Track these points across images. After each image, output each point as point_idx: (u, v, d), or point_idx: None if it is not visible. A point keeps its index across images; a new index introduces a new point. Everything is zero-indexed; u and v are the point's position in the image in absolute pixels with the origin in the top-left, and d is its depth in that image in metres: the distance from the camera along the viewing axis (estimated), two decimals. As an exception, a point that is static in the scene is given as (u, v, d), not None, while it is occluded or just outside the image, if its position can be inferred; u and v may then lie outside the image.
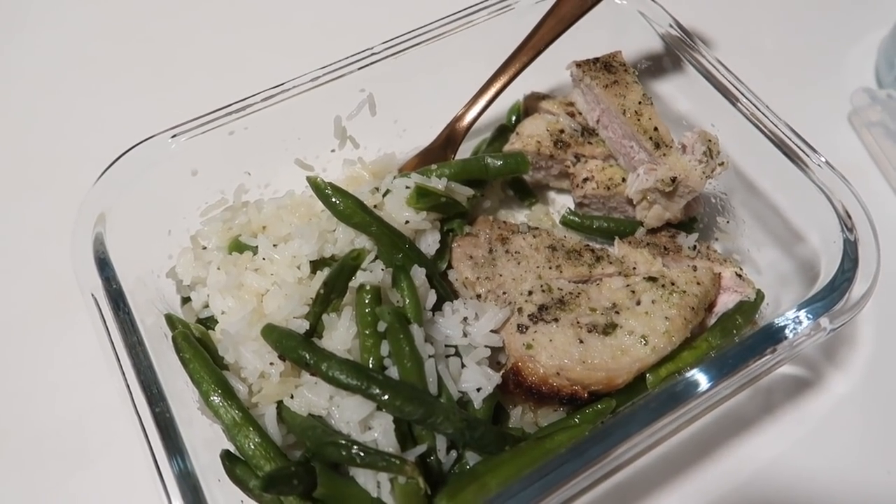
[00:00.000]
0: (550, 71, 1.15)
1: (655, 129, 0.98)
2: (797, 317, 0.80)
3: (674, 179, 0.95)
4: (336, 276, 0.84)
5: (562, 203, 1.16)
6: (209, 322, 0.93)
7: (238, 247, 0.98)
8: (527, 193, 1.15)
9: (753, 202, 1.03)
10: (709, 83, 0.99)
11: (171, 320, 0.88)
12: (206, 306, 0.94)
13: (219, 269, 0.94)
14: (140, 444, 0.73)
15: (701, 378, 0.77)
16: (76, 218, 0.86)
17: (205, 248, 0.98)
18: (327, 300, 0.86)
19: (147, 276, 0.92)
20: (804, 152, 0.92)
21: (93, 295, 0.80)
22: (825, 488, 0.91)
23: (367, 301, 0.85)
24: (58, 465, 0.93)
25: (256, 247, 0.96)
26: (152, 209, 0.93)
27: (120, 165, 0.90)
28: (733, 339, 0.93)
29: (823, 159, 0.91)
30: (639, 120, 0.99)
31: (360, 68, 1.00)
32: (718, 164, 0.96)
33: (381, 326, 0.84)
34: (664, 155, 0.96)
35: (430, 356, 0.84)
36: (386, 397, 0.78)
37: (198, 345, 0.85)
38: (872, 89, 1.28)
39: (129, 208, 0.90)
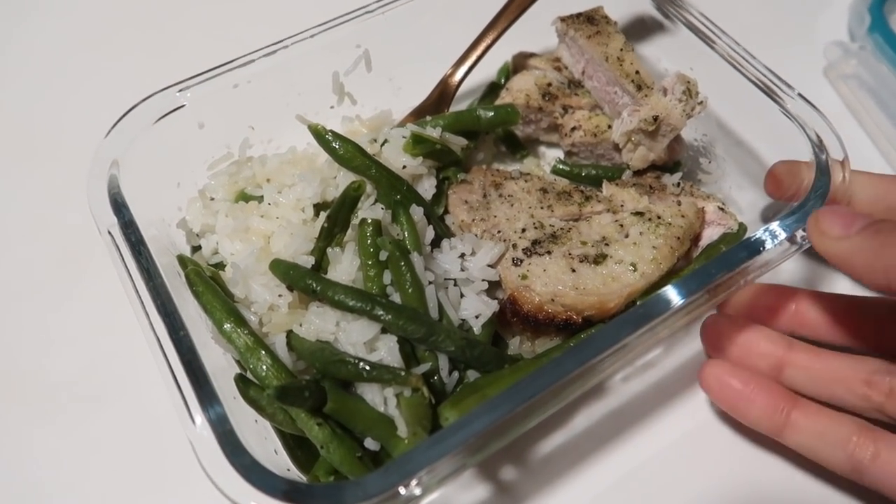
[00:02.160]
0: (537, 33, 1.21)
1: (637, 72, 1.03)
2: (773, 231, 0.84)
3: (656, 118, 1.00)
4: (338, 209, 0.89)
5: (552, 156, 1.21)
6: (219, 267, 0.98)
7: (244, 198, 1.03)
8: (518, 147, 1.20)
9: (733, 144, 1.08)
10: (685, 28, 1.05)
11: (182, 260, 0.92)
12: (216, 253, 0.99)
13: (226, 216, 0.98)
14: (160, 379, 0.76)
15: (683, 287, 0.80)
16: (90, 167, 0.90)
17: (212, 199, 1.03)
18: (331, 234, 0.91)
19: (159, 224, 0.96)
20: (779, 87, 0.98)
21: (109, 232, 0.84)
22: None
23: (368, 233, 0.89)
24: (80, 407, 0.97)
25: (261, 196, 1.01)
26: (162, 161, 0.98)
27: (131, 118, 0.94)
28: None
29: (797, 92, 0.96)
30: (621, 65, 1.04)
31: (355, 24, 1.05)
32: (698, 104, 1.01)
33: (383, 256, 0.88)
34: (646, 96, 1.02)
35: (430, 283, 0.89)
36: (390, 317, 0.83)
37: (209, 279, 0.89)
38: (845, 42, 1.33)
39: (139, 160, 0.94)
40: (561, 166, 1.14)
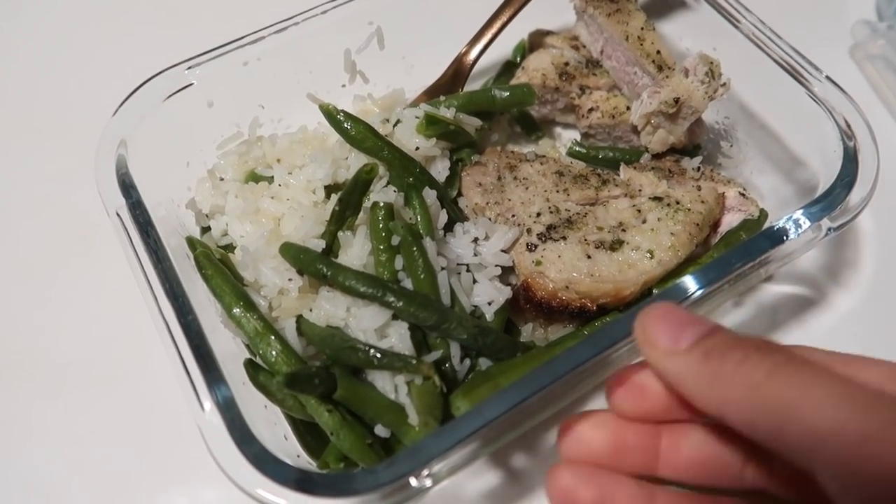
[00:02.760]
0: (553, 10, 1.17)
1: (658, 52, 1.00)
2: (798, 219, 0.82)
3: (677, 100, 0.97)
4: (350, 192, 0.87)
5: (567, 137, 1.19)
6: (228, 249, 0.97)
7: (254, 178, 1.02)
8: (533, 128, 1.17)
9: (756, 127, 1.05)
10: (710, 7, 1.01)
11: (192, 242, 0.91)
12: (225, 234, 0.97)
13: (236, 196, 0.97)
14: (168, 362, 0.75)
15: (702, 277, 0.79)
16: (97, 145, 0.89)
17: (222, 179, 1.01)
18: (342, 218, 0.89)
19: (168, 205, 0.95)
20: (806, 70, 0.94)
21: (118, 213, 0.83)
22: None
23: (380, 217, 0.87)
24: (87, 388, 0.97)
25: (272, 177, 0.99)
26: (170, 141, 0.96)
27: (138, 97, 0.93)
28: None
29: (825, 75, 0.93)
30: (641, 45, 1.01)
31: (367, 0, 1.02)
32: (721, 86, 0.98)
33: (395, 241, 0.86)
34: (667, 77, 0.98)
35: (442, 268, 0.87)
36: (401, 304, 0.81)
37: (219, 262, 0.88)
38: (873, 22, 1.29)
39: (148, 139, 0.93)
40: (577, 148, 1.12)
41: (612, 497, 0.63)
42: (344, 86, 1.07)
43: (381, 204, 0.88)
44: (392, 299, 0.82)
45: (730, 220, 1.00)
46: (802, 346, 0.60)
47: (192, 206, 0.99)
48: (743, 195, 1.00)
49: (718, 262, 0.80)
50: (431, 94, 1.12)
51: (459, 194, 1.03)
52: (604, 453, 0.65)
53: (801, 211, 0.82)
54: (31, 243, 1.11)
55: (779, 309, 1.02)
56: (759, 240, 0.81)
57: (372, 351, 0.79)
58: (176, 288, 0.77)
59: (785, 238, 0.80)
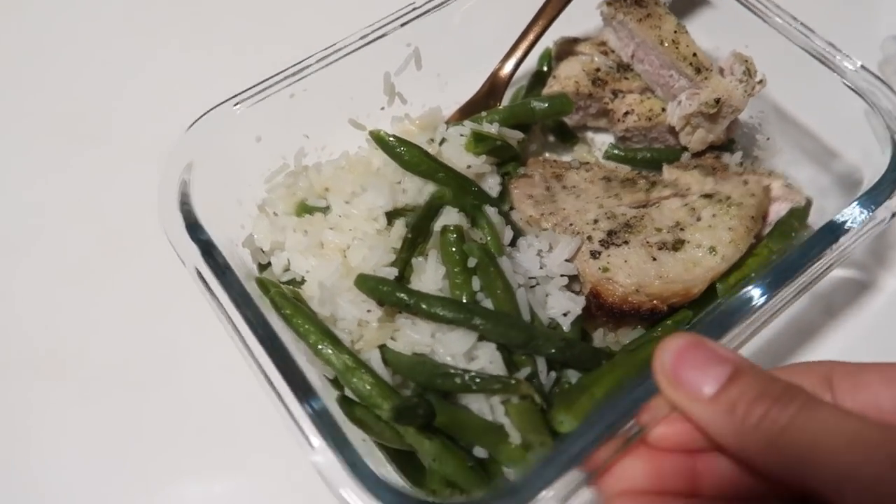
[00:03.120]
0: (575, 17, 1.18)
1: (694, 54, 1.02)
2: (855, 210, 0.84)
3: (718, 101, 0.99)
4: (423, 218, 0.87)
5: (600, 141, 1.20)
6: (293, 284, 0.95)
7: (305, 209, 1.00)
8: (568, 135, 1.18)
9: (788, 120, 1.08)
10: (739, 3, 1.03)
11: (262, 283, 0.90)
12: (287, 270, 0.96)
13: (295, 231, 0.96)
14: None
15: (772, 279, 0.80)
16: (158, 198, 0.87)
17: (275, 214, 1.00)
18: (414, 244, 0.89)
19: (227, 244, 0.93)
20: (839, 59, 0.97)
21: (197, 269, 0.81)
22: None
23: (452, 240, 0.88)
24: (124, 392, 1.01)
25: (326, 207, 0.99)
26: (223, 180, 0.94)
27: (190, 137, 0.91)
28: (792, 241, 0.98)
29: (859, 63, 0.96)
30: (677, 48, 1.03)
31: (403, 24, 1.02)
32: (757, 83, 1.00)
33: (471, 263, 0.87)
34: (706, 79, 1.01)
35: (519, 286, 0.88)
36: (489, 325, 0.82)
37: (295, 301, 0.87)
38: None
39: (201, 182, 0.91)
40: (615, 151, 1.14)
41: None
42: (383, 108, 1.07)
43: (452, 227, 0.88)
44: (480, 322, 0.82)
45: (777, 210, 1.03)
46: (827, 361, 0.65)
47: (248, 243, 0.97)
48: (787, 185, 1.03)
49: (784, 263, 0.82)
50: (467, 110, 1.12)
51: (511, 208, 1.04)
52: (645, 483, 0.67)
53: (864, 196, 0.85)
54: (74, 248, 1.13)
55: (831, 295, 1.05)
56: (822, 233, 0.84)
57: (468, 376, 0.79)
58: (274, 341, 0.76)
59: (853, 225, 0.83)
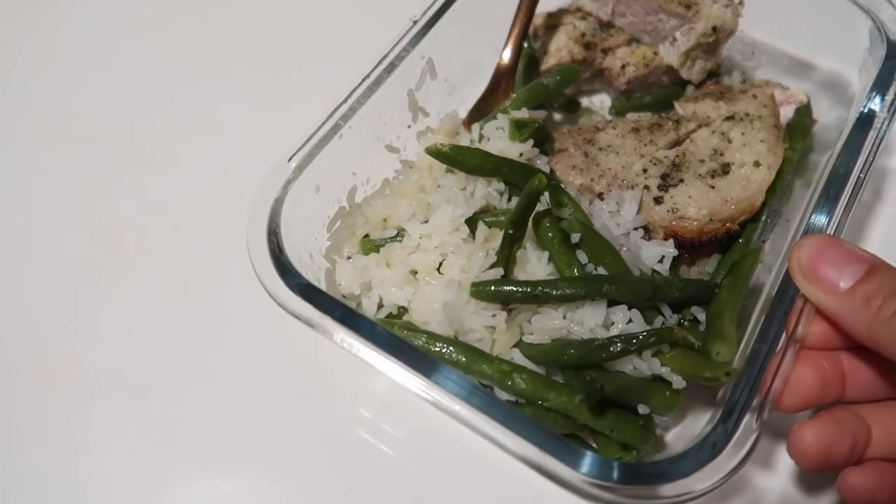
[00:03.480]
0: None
1: (679, -7, 1.09)
2: (881, 78, 0.94)
3: (715, 29, 1.07)
4: (523, 211, 0.88)
5: (598, 101, 1.26)
6: (392, 318, 0.95)
7: (372, 246, 0.99)
8: (572, 105, 1.23)
9: (771, 29, 1.17)
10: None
11: (387, 324, 0.89)
12: (381, 307, 0.95)
13: (377, 266, 0.95)
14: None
15: (843, 171, 0.88)
16: (254, 271, 0.84)
17: (349, 258, 0.98)
18: (514, 239, 0.90)
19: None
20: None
21: (341, 340, 0.80)
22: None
23: (548, 224, 0.90)
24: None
25: (394, 236, 0.98)
26: (293, 239, 0.92)
27: (257, 207, 0.88)
28: (811, 138, 1.08)
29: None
30: (661, -7, 1.10)
31: (413, 40, 1.02)
32: (738, 3, 1.09)
33: (575, 239, 0.90)
34: (697, 13, 1.08)
35: (619, 245, 0.92)
36: (618, 289, 0.85)
37: (417, 327, 0.87)
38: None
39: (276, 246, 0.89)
40: (622, 104, 1.19)
41: (858, 432, 0.72)
42: (409, 126, 1.08)
43: (544, 212, 0.90)
44: (609, 288, 0.85)
45: (785, 113, 1.12)
46: None
47: (334, 293, 0.95)
48: (785, 89, 1.13)
49: (848, 144, 0.90)
50: (481, 107, 1.14)
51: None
52: (817, 387, 0.74)
53: (876, 73, 0.95)
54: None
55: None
56: (858, 126, 0.93)
57: (620, 340, 0.82)
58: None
59: (885, 99, 0.93)
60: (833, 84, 1.13)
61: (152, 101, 1.31)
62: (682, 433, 0.90)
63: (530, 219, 0.91)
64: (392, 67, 0.97)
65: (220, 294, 1.07)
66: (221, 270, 1.05)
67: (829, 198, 0.86)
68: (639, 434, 0.84)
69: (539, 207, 0.91)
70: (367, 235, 1.01)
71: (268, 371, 1.02)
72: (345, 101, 0.93)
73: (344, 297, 0.97)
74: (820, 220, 0.85)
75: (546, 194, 0.92)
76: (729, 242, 1.02)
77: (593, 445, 0.87)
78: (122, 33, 1.41)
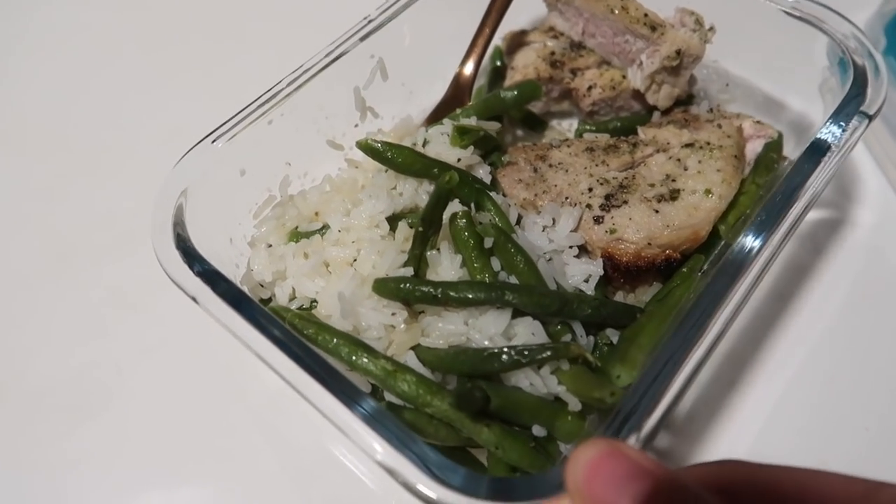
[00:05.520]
0: (517, 10, 1.21)
1: (646, 14, 1.06)
2: (838, 120, 0.88)
3: (678, 52, 1.03)
4: (432, 208, 0.86)
5: (566, 125, 1.23)
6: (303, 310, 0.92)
7: (299, 237, 0.97)
8: (537, 124, 1.20)
9: (744, 63, 1.12)
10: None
11: (276, 311, 0.86)
12: (293, 298, 0.93)
13: (294, 256, 0.93)
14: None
15: (781, 198, 0.82)
16: (153, 244, 0.82)
17: (270, 246, 0.96)
18: (426, 238, 0.87)
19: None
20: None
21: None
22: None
23: (463, 226, 0.86)
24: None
25: (320, 229, 0.96)
26: (211, 220, 0.91)
27: (170, 182, 0.87)
28: (776, 173, 1.02)
29: (797, -6, 1.02)
30: (627, 13, 1.07)
31: (362, 38, 1.02)
32: (709, 30, 1.05)
33: (488, 243, 0.86)
34: (662, 34, 1.04)
35: (539, 257, 0.87)
36: (523, 298, 0.80)
37: (319, 319, 0.83)
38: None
39: (191, 225, 0.88)
40: (587, 128, 1.16)
41: None
42: (357, 125, 1.07)
43: (460, 213, 0.87)
44: (512, 297, 0.80)
45: (753, 147, 1.06)
46: (747, 463, 0.58)
47: (247, 280, 0.93)
48: (757, 122, 1.07)
49: (788, 181, 0.84)
50: (437, 114, 1.13)
51: (502, 195, 1.04)
52: None
53: (830, 122, 0.88)
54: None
55: (815, 235, 1.08)
56: (815, 146, 0.86)
57: (514, 351, 0.77)
58: (314, 359, 0.72)
59: (832, 143, 0.86)
60: (805, 122, 1.07)
61: (101, 107, 1.34)
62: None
63: (446, 219, 0.88)
64: (333, 60, 0.97)
65: (163, 308, 1.03)
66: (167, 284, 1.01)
67: (760, 224, 0.80)
68: (527, 455, 0.77)
69: (459, 209, 0.88)
70: (296, 227, 0.99)
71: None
72: (272, 88, 0.93)
73: (261, 285, 0.95)
74: (753, 243, 0.79)
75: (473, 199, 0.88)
76: (672, 271, 0.95)
77: (484, 464, 0.81)
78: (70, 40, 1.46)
